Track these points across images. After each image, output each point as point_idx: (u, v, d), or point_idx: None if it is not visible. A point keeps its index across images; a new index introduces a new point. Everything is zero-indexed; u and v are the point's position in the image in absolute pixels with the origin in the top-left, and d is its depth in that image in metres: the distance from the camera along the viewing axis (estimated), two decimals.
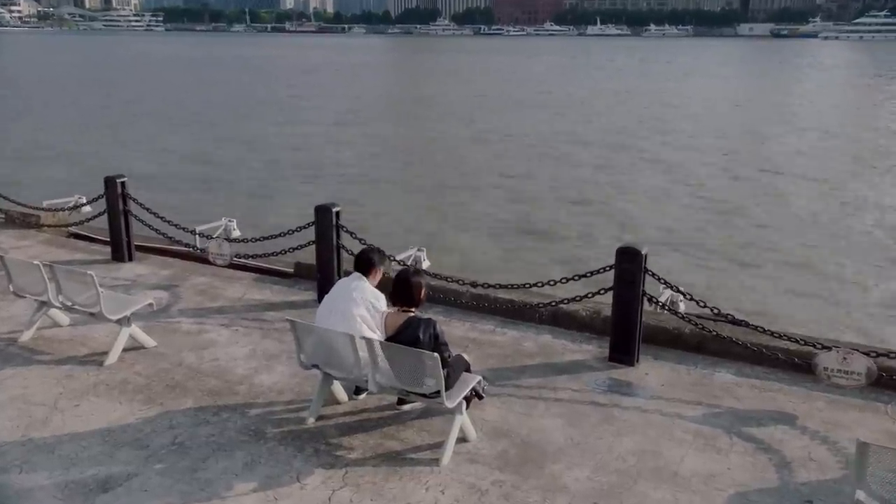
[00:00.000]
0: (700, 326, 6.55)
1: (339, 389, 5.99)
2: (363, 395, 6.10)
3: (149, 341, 7.07)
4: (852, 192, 21.07)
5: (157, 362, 6.75)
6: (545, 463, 5.22)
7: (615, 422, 5.77)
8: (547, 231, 16.65)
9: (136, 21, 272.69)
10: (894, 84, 61.82)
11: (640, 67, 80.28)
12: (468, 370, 5.54)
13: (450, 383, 5.13)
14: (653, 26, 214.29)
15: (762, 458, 5.27)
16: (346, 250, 8.11)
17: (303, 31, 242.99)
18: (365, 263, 5.86)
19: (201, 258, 9.51)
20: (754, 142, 30.70)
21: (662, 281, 6.60)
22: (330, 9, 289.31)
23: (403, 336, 5.11)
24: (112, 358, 6.71)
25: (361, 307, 5.54)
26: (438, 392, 5.07)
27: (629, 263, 6.49)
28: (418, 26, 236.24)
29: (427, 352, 4.95)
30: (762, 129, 34.21)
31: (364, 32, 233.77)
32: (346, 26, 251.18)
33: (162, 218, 9.34)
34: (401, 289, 5.28)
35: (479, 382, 5.48)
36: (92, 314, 6.72)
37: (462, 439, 5.39)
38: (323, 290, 7.90)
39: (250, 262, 9.15)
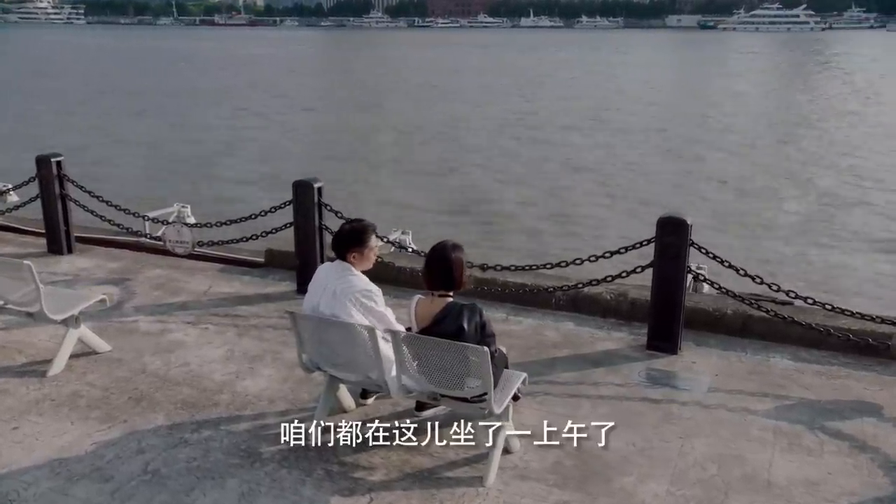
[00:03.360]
0: (756, 305, 5.72)
1: (345, 395, 4.95)
2: (371, 399, 5.08)
3: (102, 345, 5.88)
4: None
5: (115, 370, 5.58)
6: (611, 476, 4.30)
7: (677, 421, 4.89)
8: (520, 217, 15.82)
9: (55, 13, 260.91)
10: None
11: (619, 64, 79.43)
12: (506, 366, 4.58)
13: (495, 383, 4.15)
14: (584, 18, 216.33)
15: (862, 458, 4.46)
16: (330, 232, 7.03)
17: (233, 24, 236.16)
18: (346, 242, 4.50)
19: (155, 248, 8.30)
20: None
21: (711, 255, 5.74)
22: (260, 1, 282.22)
23: (442, 327, 4.08)
24: (57, 367, 5.52)
25: (352, 309, 4.37)
26: (482, 395, 4.10)
27: (673, 235, 5.62)
28: (351, 19, 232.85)
29: (474, 345, 3.95)
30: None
31: (297, 25, 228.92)
32: (277, 19, 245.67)
33: (108, 202, 8.07)
34: (437, 268, 4.23)
35: (523, 381, 4.50)
36: (30, 314, 5.50)
37: (504, 450, 4.42)
38: (304, 280, 6.84)
39: (212, 251, 7.98)
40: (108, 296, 6.14)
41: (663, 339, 5.83)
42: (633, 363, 5.71)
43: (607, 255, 6.07)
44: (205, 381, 5.39)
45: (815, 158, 23.12)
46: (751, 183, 19.62)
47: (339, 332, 4.33)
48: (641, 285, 6.68)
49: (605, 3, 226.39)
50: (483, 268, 6.72)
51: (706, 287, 6.68)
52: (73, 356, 5.65)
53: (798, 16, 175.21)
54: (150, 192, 15.66)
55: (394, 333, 4.13)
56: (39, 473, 4.31)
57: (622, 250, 6.01)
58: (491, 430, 4.28)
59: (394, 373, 4.37)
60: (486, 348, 3.91)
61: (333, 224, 6.97)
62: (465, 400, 4.18)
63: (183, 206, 9.15)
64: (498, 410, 4.15)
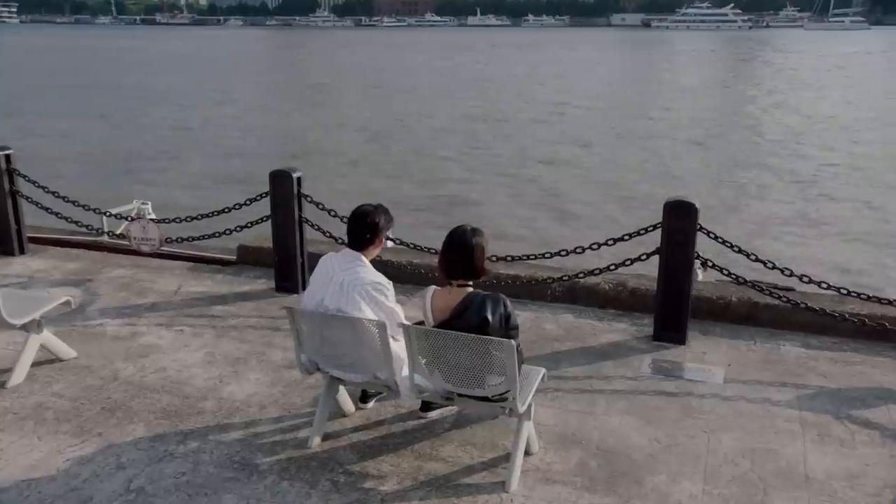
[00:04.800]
0: (768, 292, 5.50)
1: (344, 398, 4.56)
2: (372, 402, 4.69)
3: (67, 351, 5.36)
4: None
5: (83, 378, 5.08)
6: (641, 475, 4.00)
7: (698, 415, 4.62)
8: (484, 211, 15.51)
9: None
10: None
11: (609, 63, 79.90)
12: (522, 361, 4.24)
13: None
14: (531, 17, 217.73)
15: None
16: (311, 225, 6.62)
17: (175, 22, 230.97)
18: (368, 228, 4.13)
19: (115, 247, 7.75)
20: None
21: (721, 240, 5.50)
22: (203, 0, 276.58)
23: (464, 319, 3.71)
24: (18, 377, 4.99)
25: (361, 303, 3.98)
26: (504, 393, 3.76)
27: (681, 220, 5.36)
28: (297, 18, 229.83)
29: (499, 339, 3.60)
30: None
31: (241, 24, 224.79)
32: (221, 18, 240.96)
33: (65, 198, 7.49)
34: (457, 256, 3.85)
35: (542, 377, 4.17)
36: None
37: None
38: (282, 276, 6.42)
39: (178, 249, 7.48)
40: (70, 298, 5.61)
41: (671, 330, 5.57)
42: (642, 355, 5.44)
43: (610, 242, 5.78)
44: (185, 388, 4.93)
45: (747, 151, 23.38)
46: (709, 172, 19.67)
47: (344, 328, 3.93)
48: (640, 274, 6.44)
49: (551, 2, 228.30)
50: None
51: (699, 274, 6.46)
52: (35, 364, 5.13)
53: (727, 14, 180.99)
54: (100, 191, 14.91)
55: (407, 328, 3.75)
56: (6, 497, 3.81)
57: (625, 237, 5.73)
58: (515, 432, 3.94)
59: (405, 372, 4.00)
60: (512, 342, 3.56)
61: (314, 216, 6.60)
62: (485, 399, 3.83)
63: (143, 203, 8.58)
64: (522, 409, 3.82)
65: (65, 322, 5.91)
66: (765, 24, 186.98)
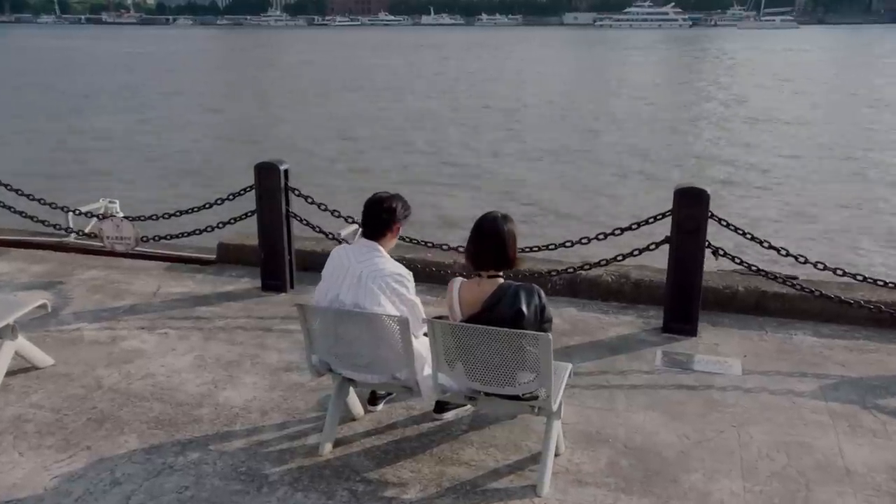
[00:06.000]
0: (782, 280, 5.36)
1: (354, 401, 4.26)
2: (381, 405, 4.41)
3: (43, 358, 4.96)
4: None
5: (64, 387, 4.69)
6: (676, 474, 3.80)
7: (723, 408, 4.44)
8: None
9: None
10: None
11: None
12: None
13: None
14: (484, 16, 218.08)
15: None
16: (299, 219, 6.30)
17: (122, 22, 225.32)
18: (378, 217, 3.81)
19: (83, 248, 7.31)
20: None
21: (732, 227, 5.34)
22: None
23: (496, 312, 3.45)
24: None
25: (381, 296, 3.69)
26: (535, 391, 3.53)
27: (692, 207, 5.19)
28: (248, 17, 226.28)
29: (534, 333, 3.36)
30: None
31: (191, 24, 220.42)
32: (170, 17, 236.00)
33: (29, 196, 7.03)
34: (489, 244, 3.58)
35: (569, 373, 3.94)
36: None
37: None
38: (269, 274, 6.10)
39: (151, 249, 7.08)
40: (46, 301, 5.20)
41: (682, 321, 5.40)
42: (654, 348, 5.26)
43: (617, 231, 5.60)
44: (178, 395, 4.59)
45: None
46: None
47: (361, 325, 3.65)
48: (642, 265, 6.28)
49: (504, 2, 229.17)
50: (459, 250, 6.14)
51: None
52: (9, 373, 4.72)
53: (668, 13, 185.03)
54: (55, 190, 14.24)
55: (432, 322, 3.48)
56: None
57: (633, 226, 5.55)
58: (545, 432, 3.70)
59: (427, 371, 3.74)
60: (549, 335, 3.32)
61: (302, 211, 6.29)
62: (514, 398, 3.58)
63: (111, 202, 8.08)
64: (555, 407, 3.59)
65: (37, 327, 5.50)
66: (713, 22, 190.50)
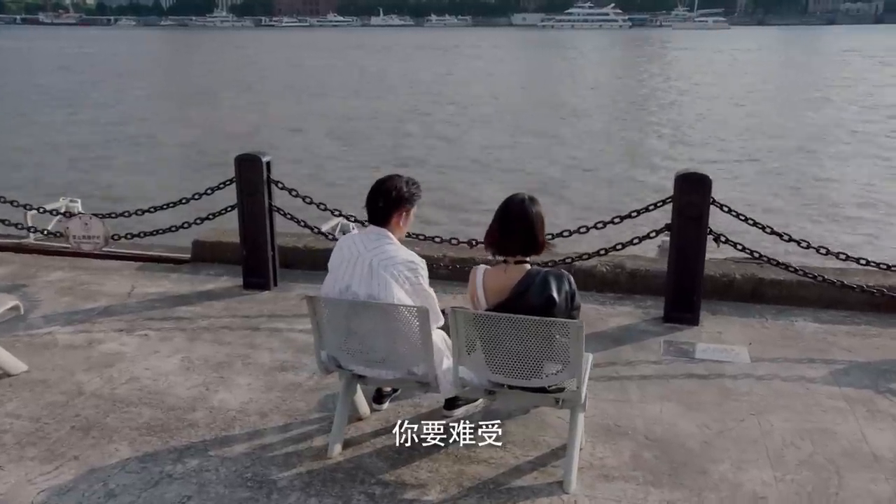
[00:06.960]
0: (784, 266, 5.29)
1: (360, 399, 4.03)
2: (387, 403, 4.19)
3: (16, 364, 4.61)
4: None
5: (41, 394, 4.36)
6: (703, 465, 3.67)
7: (738, 397, 4.34)
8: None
9: None
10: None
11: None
12: None
13: None
14: (434, 17, 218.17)
15: None
16: (283, 213, 6.03)
17: (61, 22, 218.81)
18: (382, 200, 3.55)
19: (44, 249, 6.92)
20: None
21: (734, 213, 5.25)
22: None
23: (525, 300, 3.26)
24: None
25: (394, 286, 3.46)
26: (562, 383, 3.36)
27: (694, 193, 5.08)
28: (194, 18, 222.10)
29: (564, 321, 3.18)
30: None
31: (133, 25, 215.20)
32: (112, 18, 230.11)
33: None
34: (516, 228, 3.37)
35: (591, 363, 3.78)
36: None
37: None
38: (252, 270, 5.83)
39: (121, 249, 6.73)
40: (18, 302, 4.84)
41: (683, 310, 5.30)
42: (657, 338, 5.14)
43: (616, 220, 5.46)
44: (168, 399, 4.30)
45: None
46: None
47: (376, 317, 3.42)
48: (636, 255, 6.18)
49: (453, 2, 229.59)
50: (453, 242, 5.96)
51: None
52: None
53: (608, 14, 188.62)
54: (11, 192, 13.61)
55: (455, 311, 3.28)
56: None
57: (633, 213, 5.42)
58: (570, 426, 3.53)
59: (446, 364, 3.54)
60: (580, 323, 3.15)
61: (286, 204, 6.04)
62: (539, 390, 3.41)
63: (72, 201, 7.66)
64: (583, 399, 3.42)
65: (4, 332, 5.13)
66: (658, 23, 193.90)
